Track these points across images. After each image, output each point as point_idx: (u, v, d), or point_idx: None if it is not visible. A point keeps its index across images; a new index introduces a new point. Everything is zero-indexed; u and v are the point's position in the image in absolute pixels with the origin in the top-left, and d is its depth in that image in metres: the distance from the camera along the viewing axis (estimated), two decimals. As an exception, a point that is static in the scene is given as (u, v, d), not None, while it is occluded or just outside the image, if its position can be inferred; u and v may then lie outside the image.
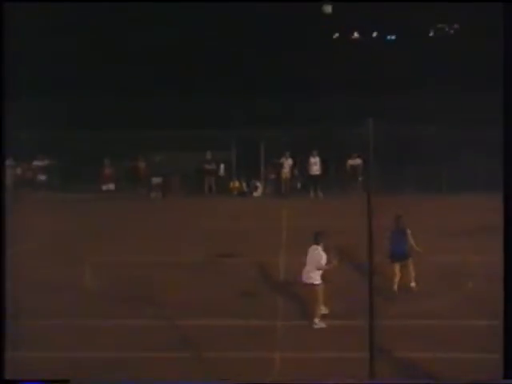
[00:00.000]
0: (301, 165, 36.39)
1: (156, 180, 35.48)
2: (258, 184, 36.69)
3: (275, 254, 22.03)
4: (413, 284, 18.06)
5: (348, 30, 53.36)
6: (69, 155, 36.16)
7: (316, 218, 25.19)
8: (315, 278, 15.52)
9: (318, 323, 15.55)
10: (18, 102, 30.92)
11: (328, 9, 36.85)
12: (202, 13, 42.91)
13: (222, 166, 37.74)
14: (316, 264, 15.53)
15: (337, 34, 53.38)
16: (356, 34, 54.50)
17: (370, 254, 9.42)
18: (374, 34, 54.78)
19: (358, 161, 34.41)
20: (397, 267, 17.80)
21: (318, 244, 15.72)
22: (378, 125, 9.24)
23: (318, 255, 15.58)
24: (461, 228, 24.52)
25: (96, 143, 35.01)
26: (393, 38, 54.48)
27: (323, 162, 35.79)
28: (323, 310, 15.82)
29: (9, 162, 34.84)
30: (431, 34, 55.12)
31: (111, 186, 35.14)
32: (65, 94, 39.94)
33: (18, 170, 36.58)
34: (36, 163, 37.57)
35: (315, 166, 35.59)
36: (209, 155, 36.42)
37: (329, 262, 15.72)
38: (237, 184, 36.79)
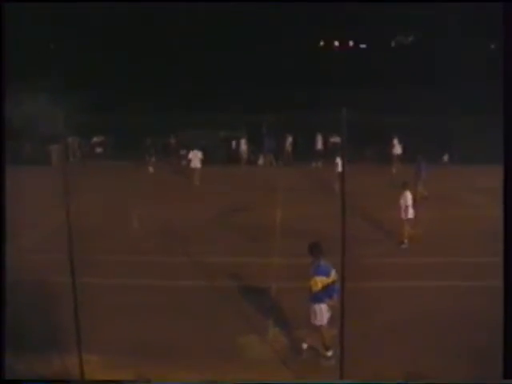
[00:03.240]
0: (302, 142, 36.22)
1: (183, 152, 35.18)
2: (261, 156, 36.68)
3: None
4: None
5: (330, 39, 52.88)
6: (118, 134, 36.00)
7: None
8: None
9: None
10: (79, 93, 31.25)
11: None
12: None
13: (234, 142, 37.51)
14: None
15: (322, 43, 53.15)
16: (336, 43, 54.17)
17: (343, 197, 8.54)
18: (351, 43, 54.31)
19: (338, 139, 34.28)
20: None
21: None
22: (351, 113, 8.58)
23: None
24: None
25: (138, 125, 34.83)
26: (364, 46, 53.95)
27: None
28: None
29: (72, 140, 35.00)
30: (393, 44, 54.80)
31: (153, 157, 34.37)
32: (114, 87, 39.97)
33: (79, 145, 36.52)
34: (95, 140, 37.88)
35: (319, 142, 35.88)
36: (222, 134, 36.71)
37: None
38: (245, 155, 36.70)
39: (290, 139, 36.35)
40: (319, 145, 35.95)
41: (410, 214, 17.35)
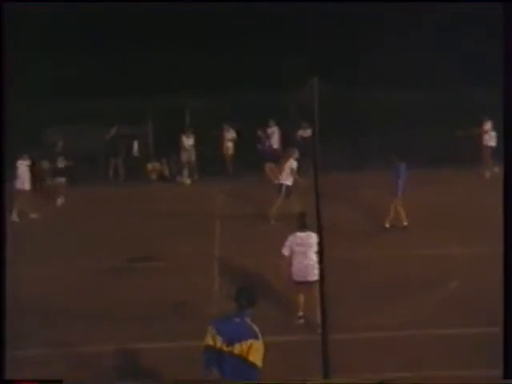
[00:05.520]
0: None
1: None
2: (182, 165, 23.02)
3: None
4: None
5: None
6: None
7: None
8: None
9: None
10: None
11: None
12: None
13: (136, 143, 24.23)
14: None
15: None
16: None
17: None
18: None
19: (309, 132, 21.09)
20: None
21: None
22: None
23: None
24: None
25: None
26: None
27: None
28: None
29: None
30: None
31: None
32: None
33: None
34: None
35: (273, 136, 23.24)
36: (115, 130, 22.46)
37: None
38: (157, 166, 23.26)
39: (231, 134, 23.36)
40: (275, 143, 22.97)
41: (314, 274, 9.57)
